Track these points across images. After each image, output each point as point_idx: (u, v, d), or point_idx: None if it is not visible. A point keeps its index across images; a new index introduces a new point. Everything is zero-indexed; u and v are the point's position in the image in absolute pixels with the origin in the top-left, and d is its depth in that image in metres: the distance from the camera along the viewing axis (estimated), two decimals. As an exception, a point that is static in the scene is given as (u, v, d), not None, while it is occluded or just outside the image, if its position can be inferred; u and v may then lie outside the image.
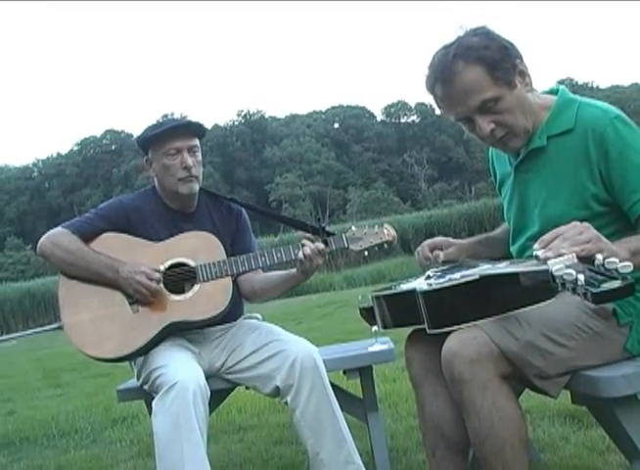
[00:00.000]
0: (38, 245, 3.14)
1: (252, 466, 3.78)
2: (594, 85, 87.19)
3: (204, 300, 3.02)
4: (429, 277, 2.33)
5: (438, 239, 2.61)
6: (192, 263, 3.08)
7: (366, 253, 3.11)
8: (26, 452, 5.07)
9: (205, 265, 3.05)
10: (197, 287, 3.05)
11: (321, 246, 2.97)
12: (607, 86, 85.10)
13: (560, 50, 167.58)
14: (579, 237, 1.76)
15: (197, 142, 3.20)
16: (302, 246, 2.97)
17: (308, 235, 3.03)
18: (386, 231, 3.12)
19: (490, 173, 2.70)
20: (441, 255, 2.50)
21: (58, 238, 3.11)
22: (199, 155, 3.21)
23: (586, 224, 1.82)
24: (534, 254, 1.75)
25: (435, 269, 2.47)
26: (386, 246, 3.13)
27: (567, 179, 2.24)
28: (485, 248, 2.67)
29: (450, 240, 2.61)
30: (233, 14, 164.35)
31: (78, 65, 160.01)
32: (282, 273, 3.16)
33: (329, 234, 3.06)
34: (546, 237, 1.80)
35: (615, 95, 75.61)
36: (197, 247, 3.12)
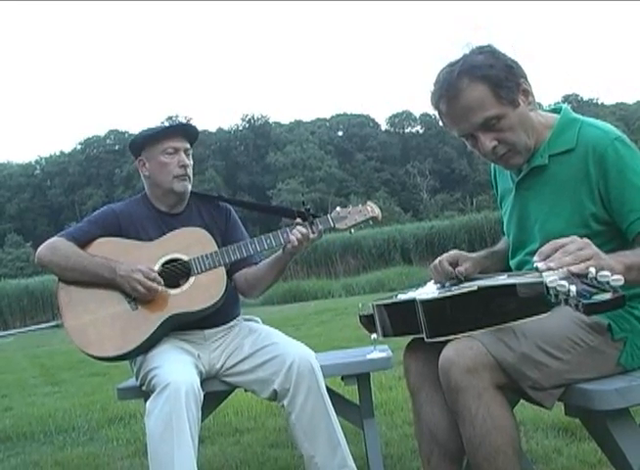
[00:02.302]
0: (36, 255, 3.23)
1: (248, 468, 3.82)
2: (599, 102, 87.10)
3: (200, 290, 3.10)
4: (444, 286, 2.39)
5: (455, 253, 2.60)
6: (185, 258, 3.16)
7: (352, 230, 3.20)
8: (23, 448, 5.10)
9: (198, 258, 3.14)
10: (192, 279, 3.13)
11: (313, 234, 3.08)
12: (612, 103, 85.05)
13: (566, 66, 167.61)
14: (580, 253, 1.78)
15: (189, 146, 3.32)
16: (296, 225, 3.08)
17: (300, 221, 3.11)
18: (369, 208, 3.21)
19: (493, 187, 2.74)
20: (464, 270, 2.53)
21: (54, 246, 3.20)
22: (191, 158, 3.33)
23: (587, 240, 1.85)
24: (535, 266, 1.79)
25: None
26: (371, 222, 3.23)
27: (567, 198, 2.28)
28: (492, 262, 2.69)
29: (464, 254, 2.63)
30: (240, 18, 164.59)
31: (84, 64, 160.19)
32: (269, 259, 3.25)
33: (315, 216, 3.14)
34: (545, 249, 1.83)
35: (619, 112, 75.71)
36: (188, 241, 3.20)
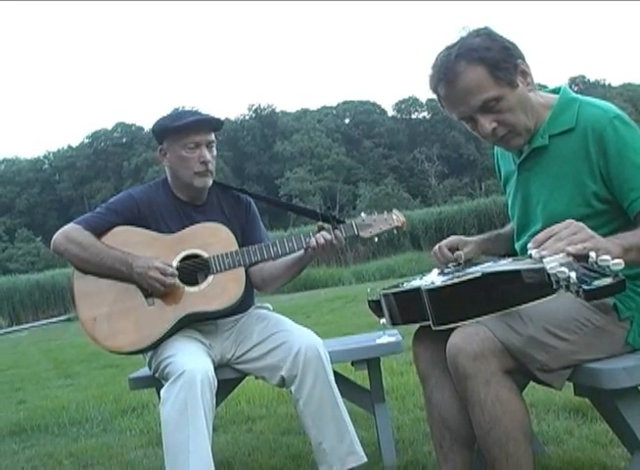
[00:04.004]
0: (52, 242, 3.19)
1: (260, 455, 3.83)
2: (606, 83, 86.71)
3: (218, 290, 3.07)
4: (443, 273, 2.40)
5: (454, 238, 2.63)
6: (205, 255, 3.12)
7: (376, 239, 3.16)
8: (38, 440, 5.13)
9: (217, 256, 3.10)
10: (210, 278, 3.09)
11: (335, 240, 3.02)
12: (619, 84, 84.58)
13: (572, 48, 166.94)
14: (574, 237, 1.80)
15: (214, 137, 3.24)
16: (319, 230, 3.03)
17: (326, 226, 3.06)
18: (395, 217, 3.17)
19: (496, 171, 2.74)
20: (463, 255, 2.53)
21: (71, 235, 3.15)
22: (214, 150, 3.25)
23: (581, 224, 1.87)
24: (529, 253, 1.80)
25: (447, 267, 2.53)
26: (395, 231, 3.19)
27: (568, 177, 2.28)
28: (495, 245, 2.70)
29: (463, 238, 2.64)
30: (245, 7, 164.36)
31: (89, 57, 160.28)
32: (288, 258, 3.20)
33: (339, 222, 3.10)
34: (539, 237, 1.84)
35: (627, 93, 75.36)
36: (209, 238, 3.16)
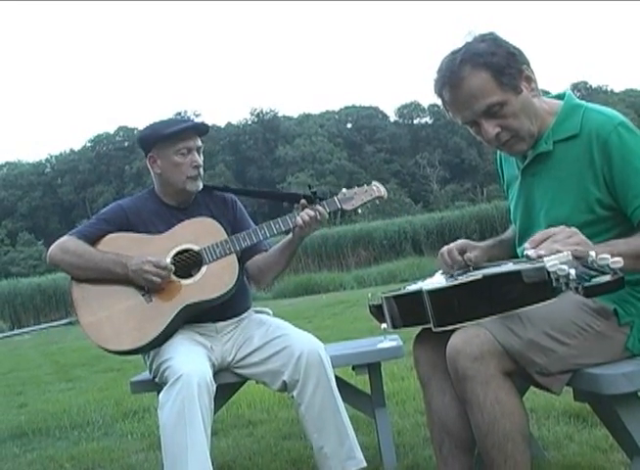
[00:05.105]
0: (48, 255, 3.27)
1: (261, 460, 3.83)
2: (608, 89, 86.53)
3: (213, 279, 3.13)
4: (452, 276, 2.41)
5: (464, 242, 2.62)
6: (196, 248, 3.18)
7: (359, 210, 3.23)
8: (39, 443, 5.13)
9: (208, 247, 3.16)
10: (204, 269, 3.16)
11: (319, 216, 3.10)
12: (621, 90, 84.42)
13: (574, 53, 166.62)
14: (569, 240, 1.83)
15: (201, 143, 3.33)
16: (302, 208, 3.12)
17: (307, 204, 3.14)
18: (375, 188, 3.25)
19: (499, 175, 2.75)
20: (473, 257, 2.54)
21: (65, 245, 3.23)
22: (202, 154, 3.34)
23: (574, 229, 1.91)
24: (525, 253, 1.82)
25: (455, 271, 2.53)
26: (377, 202, 3.27)
27: (572, 184, 2.29)
28: (500, 251, 2.70)
29: (471, 243, 2.64)
30: (247, 12, 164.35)
31: (92, 61, 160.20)
32: (279, 244, 3.29)
33: (321, 199, 3.17)
34: (536, 237, 1.87)
35: (629, 99, 75.28)
36: (198, 232, 3.23)
